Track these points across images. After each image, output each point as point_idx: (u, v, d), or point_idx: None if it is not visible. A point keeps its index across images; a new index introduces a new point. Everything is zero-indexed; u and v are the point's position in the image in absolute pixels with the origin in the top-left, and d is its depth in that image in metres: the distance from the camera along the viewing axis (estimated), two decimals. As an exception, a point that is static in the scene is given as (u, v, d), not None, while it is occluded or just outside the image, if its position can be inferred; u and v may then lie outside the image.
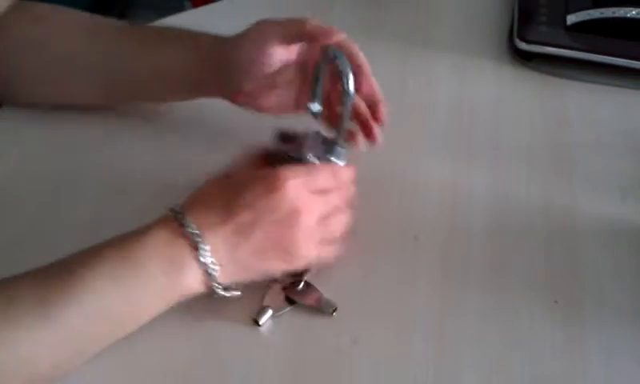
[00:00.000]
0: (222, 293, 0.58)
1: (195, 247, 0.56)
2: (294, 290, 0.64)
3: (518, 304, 0.64)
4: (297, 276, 0.64)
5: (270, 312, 0.62)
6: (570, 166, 0.76)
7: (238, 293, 0.59)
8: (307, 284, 0.64)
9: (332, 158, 0.65)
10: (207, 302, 0.59)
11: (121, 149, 0.76)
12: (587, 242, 0.69)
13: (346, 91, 0.63)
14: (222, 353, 0.61)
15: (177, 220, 0.57)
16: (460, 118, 0.81)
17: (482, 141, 0.78)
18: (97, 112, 0.77)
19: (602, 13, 0.86)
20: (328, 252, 0.63)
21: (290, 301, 0.63)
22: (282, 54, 0.67)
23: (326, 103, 0.68)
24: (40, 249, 0.66)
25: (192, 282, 0.57)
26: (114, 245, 0.57)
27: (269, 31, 0.67)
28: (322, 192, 0.62)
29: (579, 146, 0.78)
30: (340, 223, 0.64)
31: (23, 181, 0.73)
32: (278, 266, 0.61)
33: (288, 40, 0.67)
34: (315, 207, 0.60)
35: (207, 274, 0.57)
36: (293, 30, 0.67)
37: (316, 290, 0.64)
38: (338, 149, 0.66)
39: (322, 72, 0.66)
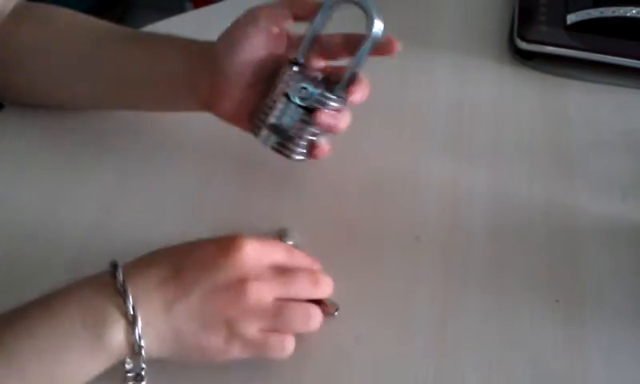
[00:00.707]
0: (139, 371, 0.53)
1: (123, 302, 0.51)
2: None
3: (519, 304, 0.64)
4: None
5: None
6: (571, 165, 0.76)
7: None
8: None
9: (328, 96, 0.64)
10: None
11: (125, 150, 0.76)
12: (588, 242, 0.69)
13: (371, 33, 0.63)
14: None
15: (110, 273, 0.53)
16: (460, 117, 0.81)
17: (483, 140, 0.78)
18: (101, 112, 0.78)
19: (602, 12, 0.86)
20: (278, 344, 0.56)
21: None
22: (270, 37, 0.65)
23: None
24: (42, 250, 0.67)
25: (118, 342, 0.52)
26: (40, 303, 0.52)
27: (259, 10, 0.66)
28: (282, 271, 0.57)
29: (580, 145, 0.78)
30: (300, 316, 0.57)
31: (25, 181, 0.73)
32: (214, 343, 0.54)
33: (282, 14, 0.66)
34: (269, 283, 0.55)
35: (131, 333, 0.52)
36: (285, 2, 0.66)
37: None
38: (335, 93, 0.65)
39: (321, 20, 0.65)
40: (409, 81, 0.85)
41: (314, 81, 0.64)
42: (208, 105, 0.69)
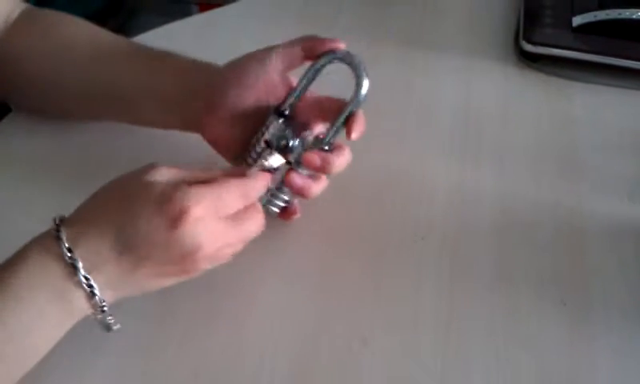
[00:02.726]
0: (108, 323, 0.55)
1: (74, 273, 0.52)
2: None
3: (525, 305, 0.64)
4: None
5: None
6: (577, 167, 0.76)
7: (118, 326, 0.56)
8: None
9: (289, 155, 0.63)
10: (210, 304, 0.60)
11: (132, 155, 0.75)
12: (594, 243, 0.69)
13: (358, 95, 0.62)
14: (230, 353, 0.61)
15: (56, 243, 0.53)
16: (466, 119, 0.81)
17: (489, 142, 0.78)
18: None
19: (608, 14, 0.86)
20: (229, 256, 0.59)
21: None
22: (275, 83, 0.64)
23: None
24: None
25: (80, 308, 0.53)
26: None
27: (272, 48, 0.65)
28: (232, 216, 0.57)
29: (585, 146, 0.78)
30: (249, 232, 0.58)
31: (33, 185, 0.73)
32: (174, 282, 0.57)
33: (294, 53, 0.64)
34: (220, 238, 0.55)
35: (92, 296, 0.53)
36: (297, 41, 0.64)
37: None
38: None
39: (313, 75, 0.64)
40: (415, 83, 0.85)
41: (297, 135, 0.63)
42: (196, 128, 0.68)
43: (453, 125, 0.80)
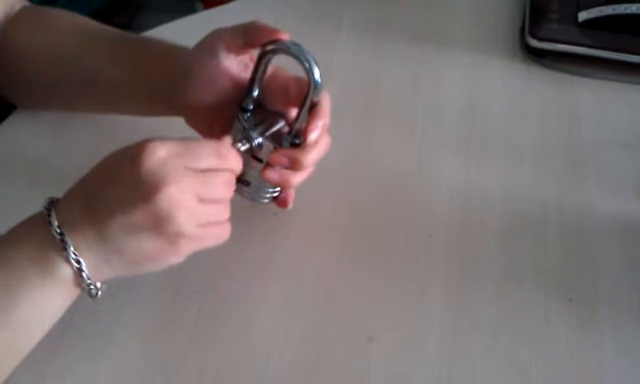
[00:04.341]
0: (94, 292, 0.54)
1: (63, 248, 0.52)
2: None
3: (532, 302, 0.64)
4: None
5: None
6: (583, 163, 0.76)
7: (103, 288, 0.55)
8: None
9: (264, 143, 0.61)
10: (217, 302, 0.60)
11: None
12: (601, 240, 0.68)
13: (314, 82, 0.59)
14: (236, 350, 0.61)
15: (46, 220, 0.53)
16: (472, 115, 0.81)
17: (495, 138, 0.78)
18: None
19: (614, 9, 0.86)
20: (216, 235, 0.57)
21: None
22: (231, 65, 0.63)
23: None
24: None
25: (72, 285, 0.53)
26: None
27: (218, 37, 0.63)
28: (202, 171, 0.54)
29: (592, 143, 0.78)
30: (222, 210, 0.57)
31: (36, 183, 0.73)
32: (161, 248, 0.53)
33: (236, 44, 0.62)
34: (189, 183, 0.52)
35: (78, 271, 0.53)
36: (240, 31, 0.62)
37: None
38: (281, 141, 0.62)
39: (262, 69, 0.62)
40: (420, 79, 0.85)
41: (266, 129, 0.62)
42: (181, 112, 0.67)
43: (459, 121, 0.80)
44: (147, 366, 0.60)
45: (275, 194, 0.66)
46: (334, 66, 0.86)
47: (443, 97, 0.83)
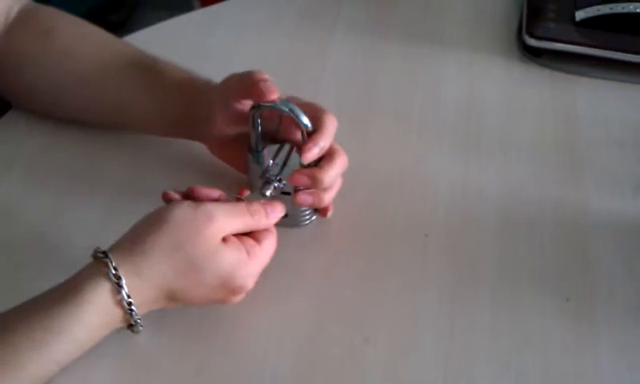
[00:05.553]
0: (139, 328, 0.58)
1: (117, 291, 0.55)
2: None
3: (529, 302, 0.64)
4: None
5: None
6: (580, 162, 0.76)
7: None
8: None
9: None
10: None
11: (129, 157, 0.75)
12: (598, 239, 0.68)
13: (304, 126, 0.62)
14: (233, 350, 0.61)
15: (105, 265, 0.55)
16: (469, 114, 0.81)
17: (492, 137, 0.78)
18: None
19: (612, 8, 0.86)
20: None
21: None
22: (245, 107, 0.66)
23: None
24: (46, 253, 0.67)
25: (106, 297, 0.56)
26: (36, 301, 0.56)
27: (231, 85, 0.67)
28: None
29: (589, 142, 0.78)
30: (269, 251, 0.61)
31: (31, 184, 0.73)
32: (218, 300, 0.60)
33: (245, 95, 0.66)
34: (255, 265, 0.60)
35: (125, 307, 0.56)
36: (248, 85, 0.65)
37: None
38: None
39: (257, 120, 0.65)
40: (418, 78, 0.85)
41: (284, 163, 0.66)
42: (204, 141, 0.71)
43: (456, 120, 0.80)
44: (146, 365, 0.60)
45: (314, 212, 0.69)
46: (331, 65, 0.86)
47: (440, 95, 0.83)
